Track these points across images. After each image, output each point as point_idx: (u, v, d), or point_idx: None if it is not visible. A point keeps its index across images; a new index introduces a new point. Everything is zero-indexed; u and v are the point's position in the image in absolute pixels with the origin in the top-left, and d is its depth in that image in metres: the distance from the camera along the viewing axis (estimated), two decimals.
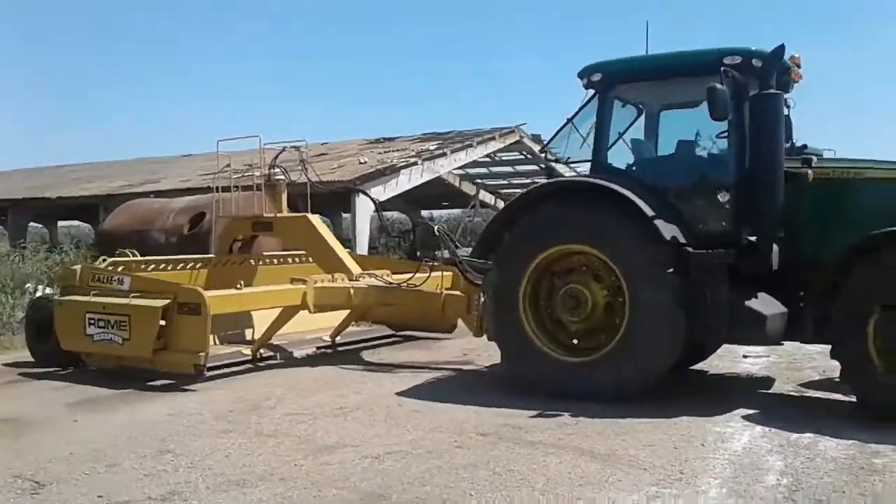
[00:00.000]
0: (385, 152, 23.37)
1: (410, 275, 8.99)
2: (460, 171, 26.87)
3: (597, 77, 7.01)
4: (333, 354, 9.48)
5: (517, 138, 24.94)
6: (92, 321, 8.07)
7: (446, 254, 9.15)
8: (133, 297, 7.94)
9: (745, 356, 8.43)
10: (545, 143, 7.41)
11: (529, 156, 27.06)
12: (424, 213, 33.97)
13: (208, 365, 7.60)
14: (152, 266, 9.44)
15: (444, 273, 9.36)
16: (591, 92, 7.20)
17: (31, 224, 28.53)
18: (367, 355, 9.41)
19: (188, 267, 9.77)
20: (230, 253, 10.32)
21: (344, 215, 27.21)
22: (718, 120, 6.21)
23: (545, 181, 7.15)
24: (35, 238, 24.04)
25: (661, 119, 7.70)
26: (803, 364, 8.10)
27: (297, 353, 9.25)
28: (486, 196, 30.65)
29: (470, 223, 26.96)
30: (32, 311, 9.18)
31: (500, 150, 25.50)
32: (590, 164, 7.11)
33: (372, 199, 11.96)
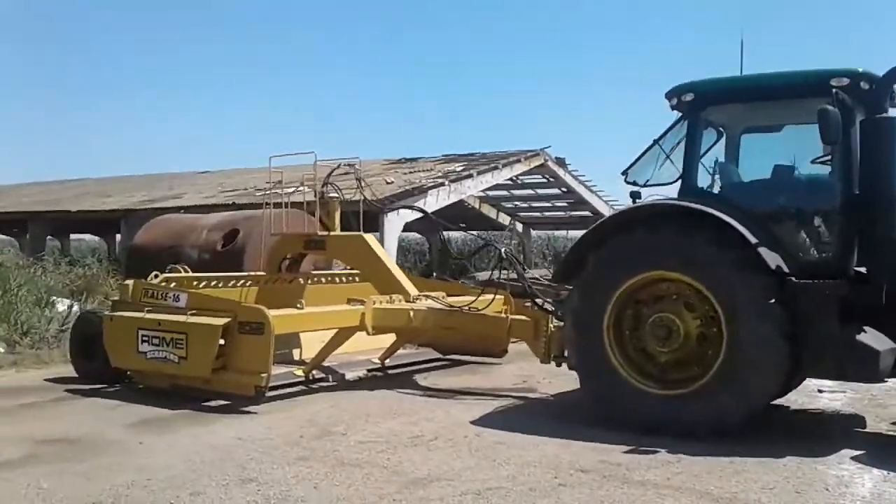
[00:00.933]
0: (410, 172, 23.17)
1: (472, 298, 8.68)
2: (481, 194, 26.63)
3: (689, 97, 6.74)
4: (384, 378, 9.15)
5: (542, 161, 24.75)
6: (145, 338, 7.76)
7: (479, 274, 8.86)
8: (190, 314, 7.63)
9: (819, 391, 8.10)
10: (628, 165, 7.11)
11: (552, 179, 26.89)
12: (445, 234, 33.68)
13: None
14: (203, 283, 9.13)
15: (496, 296, 9.05)
16: (680, 113, 6.93)
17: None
18: (421, 380, 9.08)
19: (238, 284, 9.46)
20: (279, 271, 10.01)
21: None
22: (830, 143, 5.93)
23: (637, 204, 6.82)
24: (48, 251, 23.79)
25: (742, 142, 7.44)
26: (885, 400, 7.75)
27: (349, 376, 8.93)
28: (504, 219, 30.44)
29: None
30: (78, 326, 8.85)
31: (524, 173, 25.32)
32: (678, 187, 6.80)
33: (438, 221, 11.55)
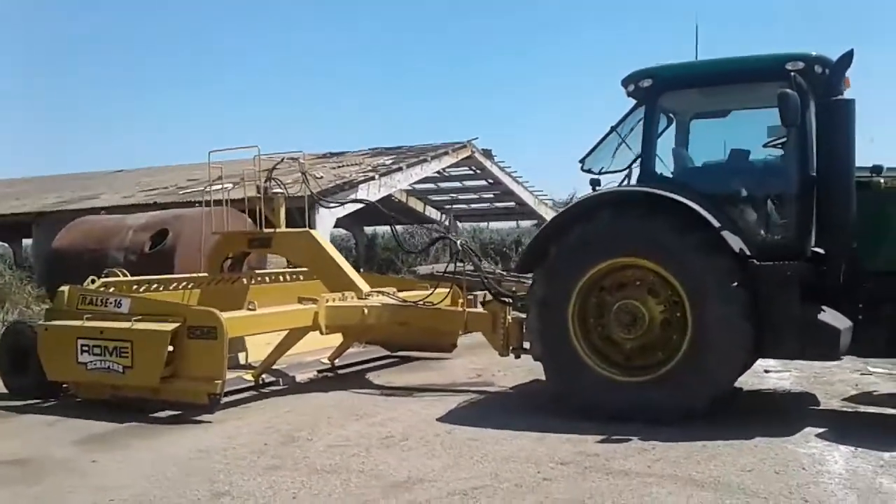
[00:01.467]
0: (339, 167, 22.81)
1: (424, 293, 8.54)
2: (408, 187, 26.48)
3: (647, 83, 6.75)
4: (336, 378, 8.92)
5: (469, 153, 24.77)
6: (86, 348, 7.31)
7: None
8: (135, 320, 7.22)
9: (766, 371, 8.31)
10: (585, 154, 7.09)
11: (479, 171, 26.96)
12: (368, 229, 33.44)
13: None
14: (143, 287, 8.68)
15: (441, 290, 8.92)
16: (635, 99, 6.96)
17: None
18: (374, 378, 8.90)
19: (181, 286, 9.04)
20: (221, 271, 9.62)
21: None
22: (789, 126, 6.04)
23: (598, 191, 6.81)
24: None
25: (691, 128, 7.53)
26: (828, 378, 8.01)
27: (300, 378, 8.66)
28: (431, 212, 30.36)
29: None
30: (7, 338, 8.28)
31: (451, 165, 25.29)
32: (637, 174, 6.82)
33: (390, 214, 11.27)
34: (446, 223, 28.86)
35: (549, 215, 30.52)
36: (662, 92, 6.81)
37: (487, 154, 26.44)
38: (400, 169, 21.65)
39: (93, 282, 8.13)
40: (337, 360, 9.31)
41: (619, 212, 6.39)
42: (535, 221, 32.75)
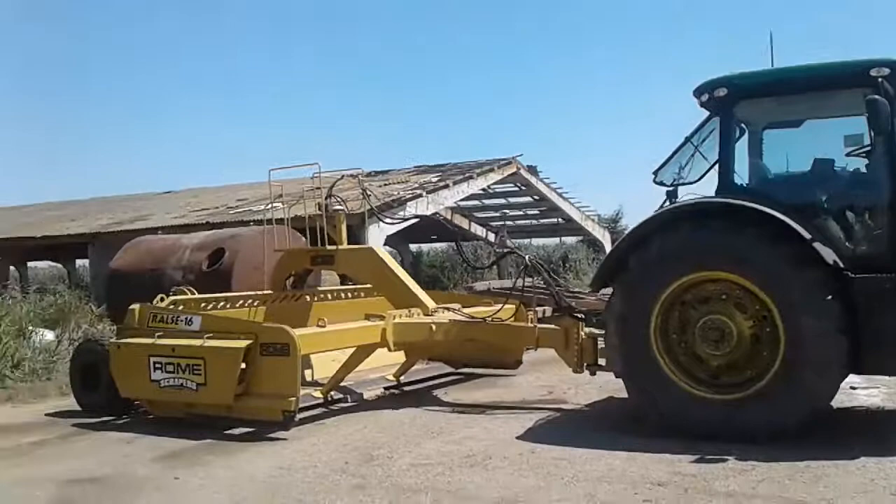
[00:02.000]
0: (385, 185, 22.85)
1: (489, 309, 8.41)
2: (453, 204, 26.45)
3: (721, 93, 6.57)
4: (403, 395, 8.83)
5: (514, 169, 24.70)
6: (158, 365, 7.31)
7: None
8: (207, 338, 7.19)
9: (852, 387, 7.98)
10: (659, 166, 6.93)
11: (524, 187, 26.85)
12: (412, 246, 33.47)
13: None
14: (211, 304, 8.68)
15: (507, 306, 8.78)
16: (708, 110, 6.78)
17: None
18: (442, 395, 8.76)
19: (245, 304, 9.03)
20: (284, 288, 9.60)
21: None
22: (881, 133, 5.82)
23: (677, 203, 6.62)
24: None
25: (764, 138, 7.32)
26: None
27: (368, 395, 8.59)
28: (476, 229, 30.26)
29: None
30: (79, 356, 8.33)
31: (497, 182, 25.22)
32: (716, 186, 6.62)
33: (456, 227, 11.24)
34: (505, 240, 28.69)
35: (596, 231, 30.28)
36: (738, 101, 6.62)
37: (532, 170, 26.34)
38: (447, 186, 21.62)
39: (161, 300, 8.14)
40: (402, 377, 9.21)
41: (701, 224, 6.19)
42: (580, 237, 32.50)
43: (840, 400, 7.45)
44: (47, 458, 6.44)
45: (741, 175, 6.75)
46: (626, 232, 6.71)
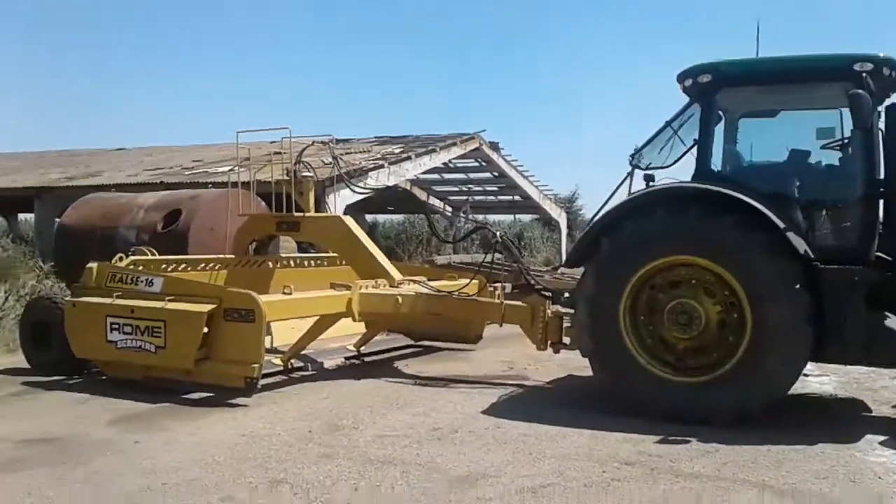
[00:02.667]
0: (347, 153, 22.54)
1: (462, 283, 8.37)
2: (412, 177, 26.28)
3: (705, 79, 6.58)
4: (364, 366, 8.76)
5: (477, 145, 24.62)
6: (115, 326, 7.10)
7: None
8: (168, 300, 7.00)
9: (804, 375, 8.17)
10: (638, 148, 6.94)
11: (485, 163, 26.80)
12: (368, 217, 33.23)
13: None
14: (172, 266, 8.45)
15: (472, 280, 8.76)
16: (690, 95, 6.80)
17: None
18: (403, 367, 8.72)
19: (207, 267, 8.82)
20: (246, 254, 9.40)
21: None
22: (861, 128, 5.90)
23: (655, 187, 6.63)
24: None
25: (740, 126, 7.38)
26: (870, 384, 7.87)
27: (328, 364, 8.51)
28: (435, 202, 30.17)
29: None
30: (31, 313, 8.05)
31: (459, 157, 25.12)
32: (693, 171, 6.66)
33: (427, 203, 11.12)
34: (466, 213, 28.56)
35: (552, 210, 30.44)
36: (721, 88, 6.64)
37: (494, 147, 26.30)
38: (409, 158, 21.44)
39: (120, 259, 7.90)
40: (363, 348, 9.14)
41: (677, 209, 6.22)
42: (536, 216, 32.66)
43: (794, 387, 7.67)
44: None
45: (716, 162, 6.79)
46: (601, 214, 6.69)
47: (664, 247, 6.27)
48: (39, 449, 5.31)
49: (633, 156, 7.04)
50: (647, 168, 7.14)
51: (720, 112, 7.15)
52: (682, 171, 6.97)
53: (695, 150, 6.68)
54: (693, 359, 6.30)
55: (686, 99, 6.97)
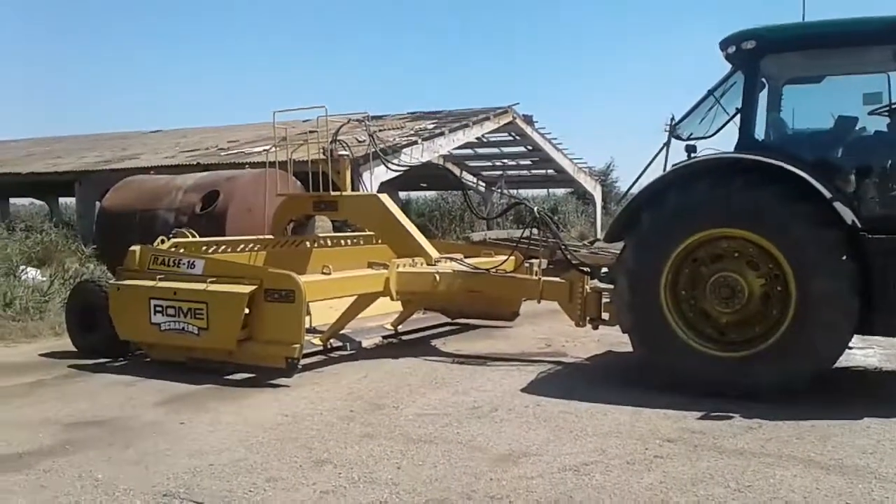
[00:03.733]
0: (381, 130, 22.51)
1: (499, 260, 8.34)
2: (446, 152, 26.19)
3: (749, 45, 6.40)
4: (402, 345, 8.79)
5: (510, 119, 24.46)
6: (159, 308, 7.20)
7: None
8: (210, 282, 7.08)
9: (849, 347, 8.01)
10: (678, 119, 6.79)
11: (519, 137, 26.61)
12: (401, 194, 33.25)
13: None
14: (212, 248, 8.54)
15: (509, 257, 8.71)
16: (733, 62, 6.63)
17: None
18: (441, 346, 8.74)
19: (246, 248, 8.90)
20: (284, 234, 9.47)
21: None
22: None
23: (696, 158, 6.50)
24: None
25: (785, 94, 7.19)
26: None
27: (366, 343, 8.55)
28: (468, 177, 30.07)
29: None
30: (76, 296, 8.21)
31: (492, 131, 24.96)
32: (736, 141, 6.51)
33: (464, 182, 11.11)
34: (500, 188, 28.38)
35: (587, 183, 30.14)
36: (765, 54, 6.46)
37: (528, 120, 26.09)
38: (442, 133, 21.39)
39: (162, 242, 8.00)
40: (400, 327, 9.17)
41: (720, 180, 6.10)
42: (570, 189, 32.38)
43: (838, 360, 7.54)
44: (47, 399, 6.37)
45: (760, 131, 6.64)
46: (642, 186, 6.58)
47: (707, 219, 6.16)
48: (89, 431, 5.42)
49: (670, 126, 6.90)
50: (687, 139, 7.01)
51: (764, 79, 6.99)
52: (723, 142, 6.87)
53: (737, 119, 6.53)
54: (736, 333, 6.21)
55: (728, 67, 6.81)
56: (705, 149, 6.63)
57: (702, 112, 6.94)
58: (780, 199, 5.85)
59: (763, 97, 6.98)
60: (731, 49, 6.56)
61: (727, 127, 6.88)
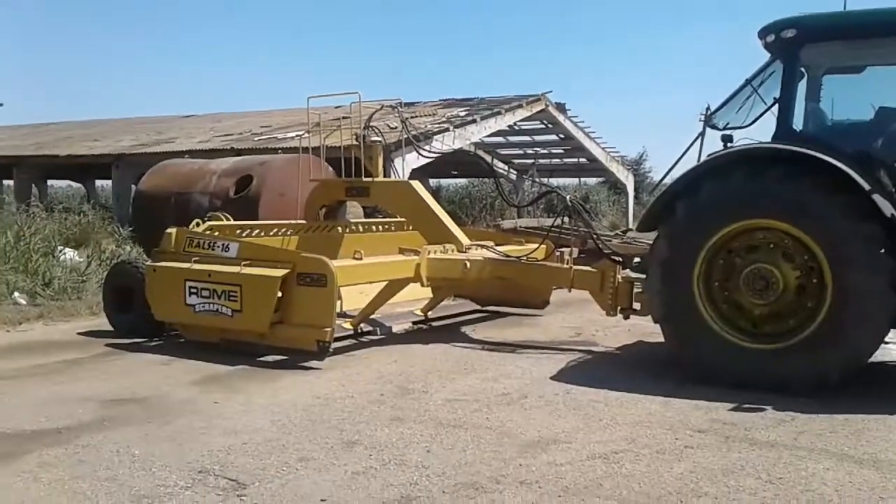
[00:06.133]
0: (413, 117, 22.51)
1: (530, 248, 8.34)
2: (477, 140, 26.12)
3: (789, 34, 6.31)
4: (432, 331, 8.83)
5: (543, 106, 24.31)
6: (194, 290, 7.31)
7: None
8: (244, 265, 7.17)
9: (885, 342, 7.89)
10: (713, 109, 6.72)
11: (551, 125, 26.45)
12: (432, 181, 33.25)
13: None
14: (246, 232, 8.64)
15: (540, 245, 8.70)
16: (772, 51, 6.54)
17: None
18: (470, 332, 8.76)
19: (279, 233, 8.99)
20: (316, 219, 9.54)
21: None
22: None
23: (732, 148, 6.43)
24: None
25: (824, 83, 7.07)
26: None
27: (396, 328, 8.61)
28: (499, 165, 29.96)
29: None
30: (113, 276, 8.36)
31: (524, 119, 24.83)
32: (774, 131, 6.43)
33: (494, 169, 11.12)
34: (532, 176, 28.24)
35: (620, 172, 29.90)
36: (805, 43, 6.36)
37: (561, 108, 25.92)
38: (474, 121, 21.34)
39: (197, 225, 8.11)
40: (430, 313, 9.21)
41: (756, 171, 6.03)
42: (602, 179, 32.12)
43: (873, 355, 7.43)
44: (85, 376, 6.51)
45: (798, 121, 6.55)
46: (676, 176, 6.52)
47: (742, 210, 6.10)
48: (126, 407, 5.54)
49: (706, 115, 6.83)
50: (724, 128, 6.93)
51: (803, 69, 6.89)
52: (760, 132, 6.79)
53: (775, 109, 6.45)
54: (769, 325, 6.16)
55: (766, 56, 6.72)
56: (742, 139, 6.56)
57: (739, 101, 6.86)
58: (818, 191, 5.77)
59: (802, 87, 6.91)
60: (771, 38, 6.47)
61: (764, 117, 6.82)
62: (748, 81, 6.64)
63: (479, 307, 10.04)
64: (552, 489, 4.07)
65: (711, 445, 4.78)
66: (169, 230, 7.75)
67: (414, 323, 8.96)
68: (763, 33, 6.54)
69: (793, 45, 6.34)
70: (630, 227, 23.27)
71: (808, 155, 5.84)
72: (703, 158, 6.48)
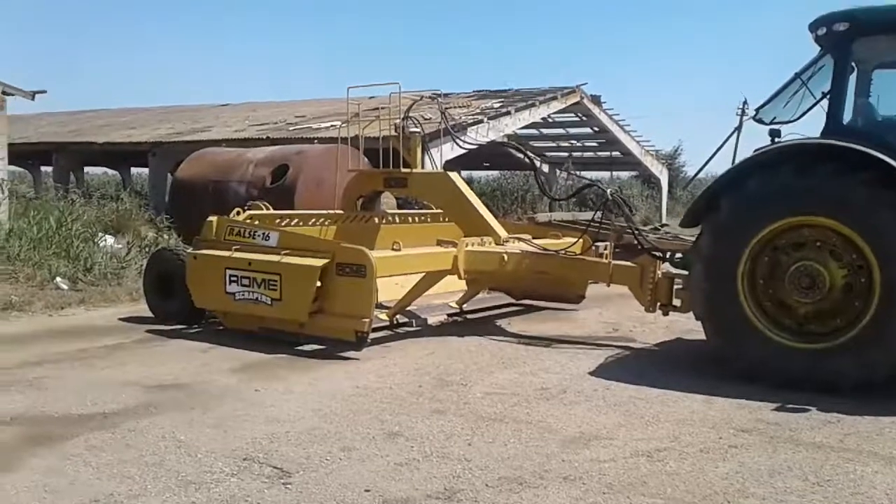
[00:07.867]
0: (446, 109, 22.46)
1: (568, 242, 8.29)
2: (511, 132, 26.02)
3: (841, 27, 6.18)
4: (467, 323, 8.82)
5: (577, 99, 24.19)
6: (234, 278, 7.38)
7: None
8: (284, 254, 7.22)
9: None
10: (763, 102, 6.62)
11: (585, 117, 26.28)
12: (464, 173, 33.20)
13: None
14: (285, 221, 8.70)
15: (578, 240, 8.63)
16: (822, 45, 6.41)
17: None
18: (506, 326, 8.73)
19: (317, 222, 9.03)
20: (354, 209, 9.57)
21: None
22: None
23: (781, 143, 6.32)
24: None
25: (875, 78, 6.92)
26: None
27: (432, 320, 8.60)
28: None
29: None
30: (154, 263, 8.46)
31: (559, 111, 24.70)
32: (823, 126, 6.31)
33: (529, 155, 11.06)
34: (568, 169, 28.06)
35: (654, 166, 29.63)
36: (858, 37, 6.23)
37: (596, 100, 25.76)
38: (508, 113, 21.30)
39: (238, 213, 8.17)
40: (465, 306, 9.20)
41: (804, 166, 5.93)
42: (635, 173, 31.85)
43: None
44: (128, 362, 6.59)
45: (847, 116, 6.42)
46: (722, 171, 6.43)
47: (789, 207, 6.01)
48: (169, 393, 5.61)
49: (757, 110, 6.72)
50: (770, 122, 6.81)
51: (853, 63, 6.75)
52: (807, 127, 6.67)
53: (824, 103, 6.33)
54: (815, 324, 6.06)
55: (816, 49, 6.60)
56: (789, 133, 6.45)
57: (787, 95, 6.74)
58: (868, 188, 5.66)
59: (852, 81, 6.77)
60: (822, 31, 6.35)
61: (811, 112, 6.70)
62: (797, 75, 6.51)
63: (513, 300, 10.02)
64: (596, 486, 4.04)
65: (756, 445, 4.72)
66: (210, 218, 7.83)
67: (449, 315, 8.95)
68: (814, 26, 6.41)
69: (845, 39, 6.22)
70: (664, 221, 23.05)
71: (858, 150, 5.73)
72: (738, 154, 6.39)
